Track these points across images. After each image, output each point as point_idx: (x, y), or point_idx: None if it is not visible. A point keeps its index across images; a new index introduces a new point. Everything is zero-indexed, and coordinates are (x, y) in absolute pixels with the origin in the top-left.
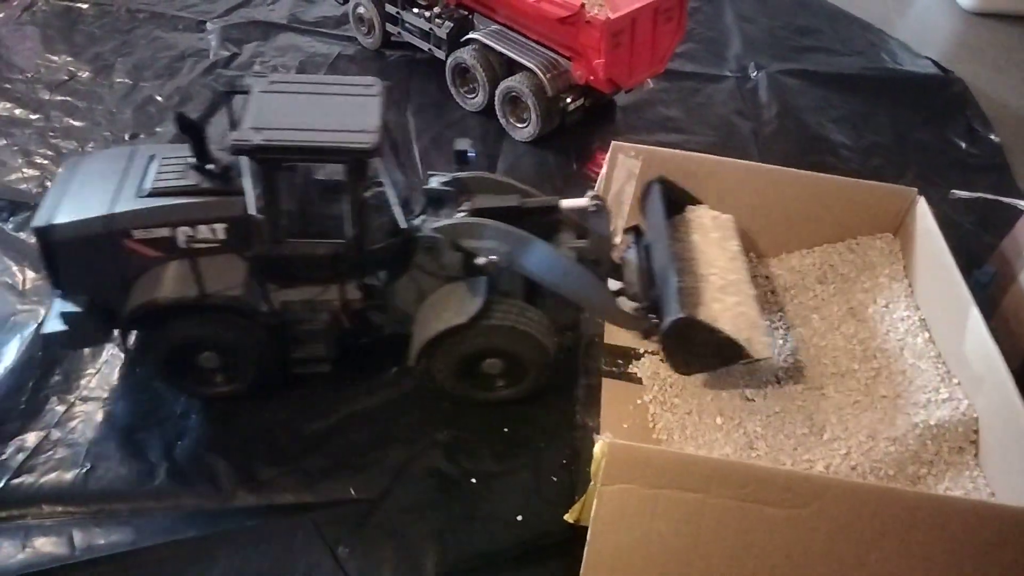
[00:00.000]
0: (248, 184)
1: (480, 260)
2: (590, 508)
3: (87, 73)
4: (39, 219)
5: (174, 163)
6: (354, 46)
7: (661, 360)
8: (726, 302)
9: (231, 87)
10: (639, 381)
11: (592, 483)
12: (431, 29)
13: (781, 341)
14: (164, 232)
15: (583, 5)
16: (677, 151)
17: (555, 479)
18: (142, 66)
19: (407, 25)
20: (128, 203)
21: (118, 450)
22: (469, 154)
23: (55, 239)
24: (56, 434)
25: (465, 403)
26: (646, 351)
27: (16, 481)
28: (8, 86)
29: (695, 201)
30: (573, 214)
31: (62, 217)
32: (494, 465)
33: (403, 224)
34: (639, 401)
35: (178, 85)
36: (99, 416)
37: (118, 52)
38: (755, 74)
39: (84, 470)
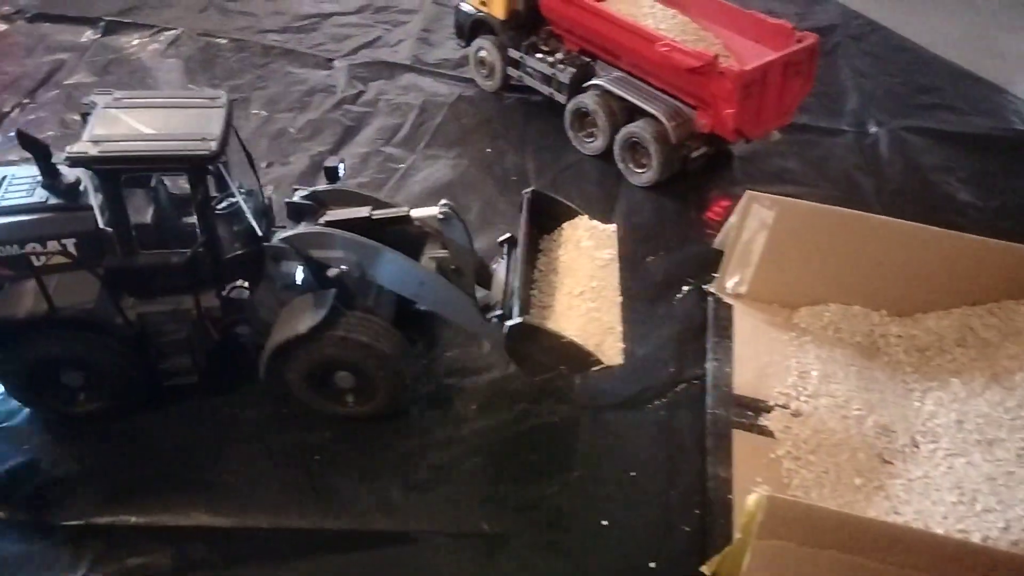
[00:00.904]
0: (96, 198)
1: (330, 271)
2: (735, 562)
3: None
4: None
5: (22, 182)
6: (472, 88)
7: (793, 415)
8: (579, 308)
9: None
10: (770, 434)
11: (738, 536)
12: (553, 74)
13: (917, 403)
14: (12, 250)
15: (716, 56)
16: (814, 204)
17: (687, 528)
18: (276, 99)
19: (528, 69)
20: None
21: (263, 464)
22: (340, 171)
23: None
24: None
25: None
26: (776, 404)
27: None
28: None
29: (575, 213)
30: (431, 224)
31: None
32: (623, 509)
33: (260, 232)
34: (771, 455)
35: (309, 118)
36: (236, 430)
37: (254, 85)
38: (874, 130)
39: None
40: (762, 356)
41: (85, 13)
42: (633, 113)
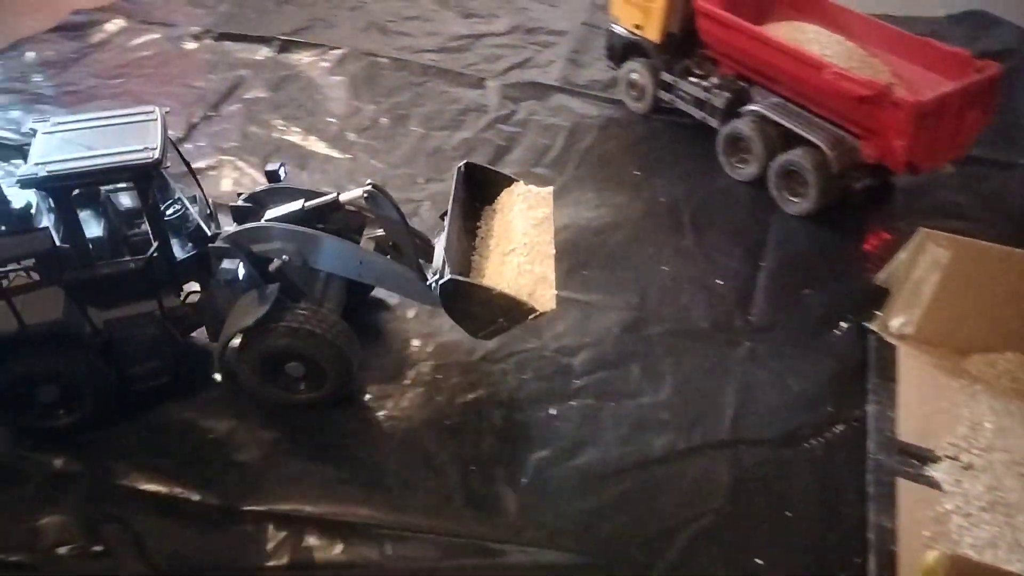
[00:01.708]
0: (50, 218)
1: (272, 266)
2: None
3: (387, 120)
4: None
5: None
6: (621, 109)
7: (963, 468)
8: (511, 263)
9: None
10: (938, 487)
11: None
12: (707, 98)
13: None
14: None
15: (890, 86)
16: (993, 244)
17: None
18: (432, 117)
19: (681, 93)
20: None
21: (422, 471)
22: (281, 174)
23: None
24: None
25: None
26: (944, 455)
27: (343, 487)
28: (323, 128)
29: (511, 181)
30: (359, 204)
31: None
32: (778, 549)
33: (209, 232)
34: (939, 509)
35: (463, 136)
36: (397, 435)
37: (412, 103)
38: None
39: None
40: (929, 402)
41: (262, 33)
42: (790, 140)
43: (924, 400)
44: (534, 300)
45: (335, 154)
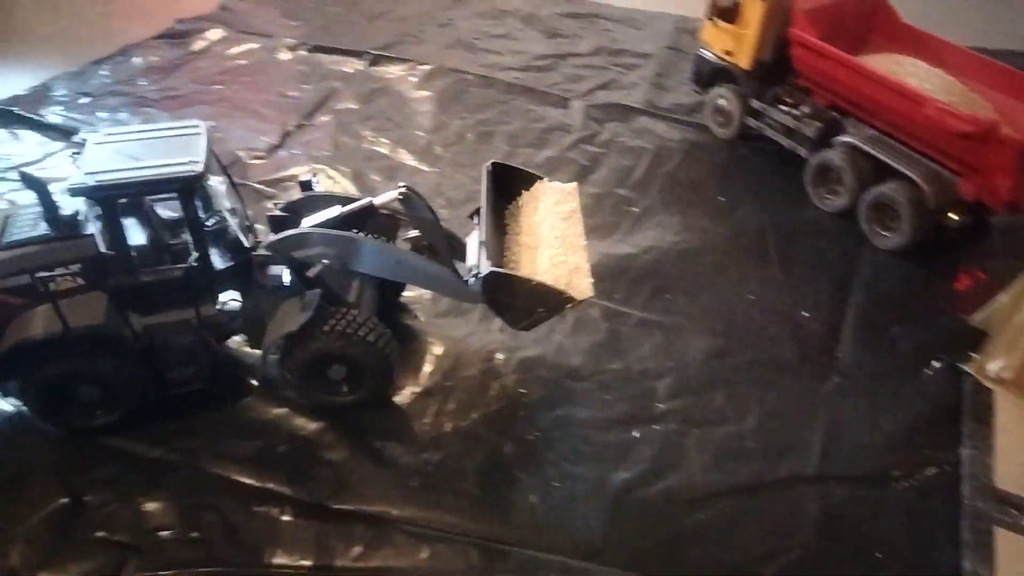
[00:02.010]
0: (96, 225)
1: (312, 271)
2: None
3: (472, 136)
4: None
5: (26, 218)
6: (705, 135)
7: None
8: (545, 255)
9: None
10: None
11: None
12: (798, 127)
13: None
14: (23, 280)
15: (996, 122)
16: None
17: None
18: (517, 135)
19: (770, 120)
20: None
21: (505, 485)
22: (312, 185)
23: None
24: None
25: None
26: None
27: (433, 494)
28: (411, 141)
29: (535, 178)
30: (393, 207)
31: None
32: None
33: (247, 244)
34: None
35: (547, 155)
36: (481, 447)
37: (498, 120)
38: None
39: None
40: None
41: (354, 47)
42: (883, 173)
43: (1023, 447)
44: (571, 289)
45: (423, 167)
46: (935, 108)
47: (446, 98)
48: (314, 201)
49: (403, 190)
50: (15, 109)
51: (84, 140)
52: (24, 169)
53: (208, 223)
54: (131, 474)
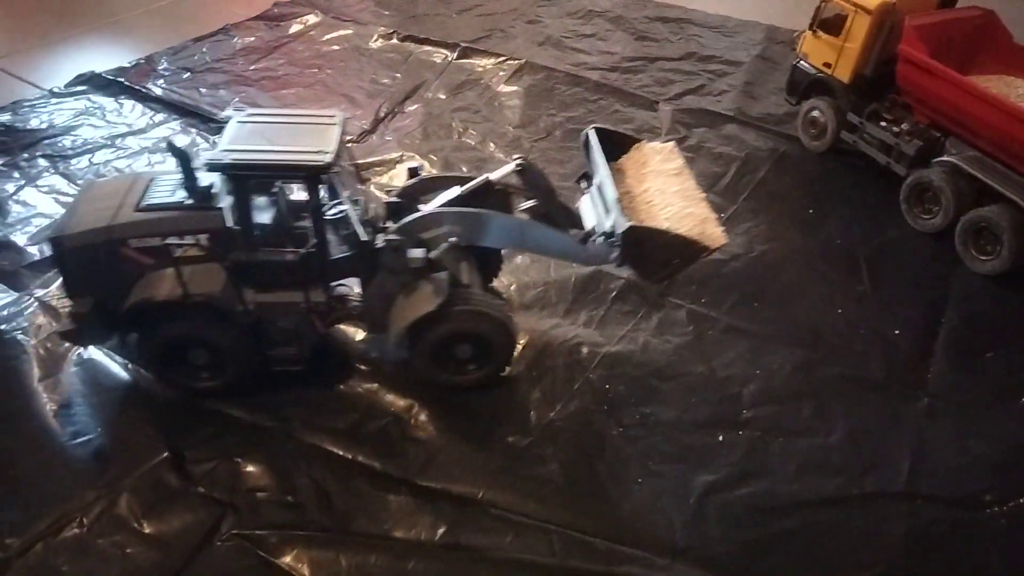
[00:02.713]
0: (226, 200)
1: (434, 253)
2: None
3: (560, 133)
4: (54, 231)
5: (167, 184)
6: (795, 145)
7: None
8: (673, 208)
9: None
10: None
11: None
12: (896, 143)
13: None
14: (155, 241)
15: None
16: None
17: None
18: None
19: (867, 136)
20: (126, 216)
21: (587, 477)
22: (420, 171)
23: (66, 247)
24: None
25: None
26: None
27: (508, 478)
28: (500, 134)
29: (634, 140)
30: (511, 180)
31: (72, 228)
32: None
33: (363, 238)
34: None
35: None
36: (564, 438)
37: (585, 119)
38: None
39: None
40: None
41: (445, 38)
42: (984, 196)
43: None
44: (704, 238)
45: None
46: None
47: (534, 94)
48: (426, 184)
49: (520, 162)
50: (122, 80)
51: (229, 117)
52: (170, 138)
53: (330, 212)
54: (229, 436)
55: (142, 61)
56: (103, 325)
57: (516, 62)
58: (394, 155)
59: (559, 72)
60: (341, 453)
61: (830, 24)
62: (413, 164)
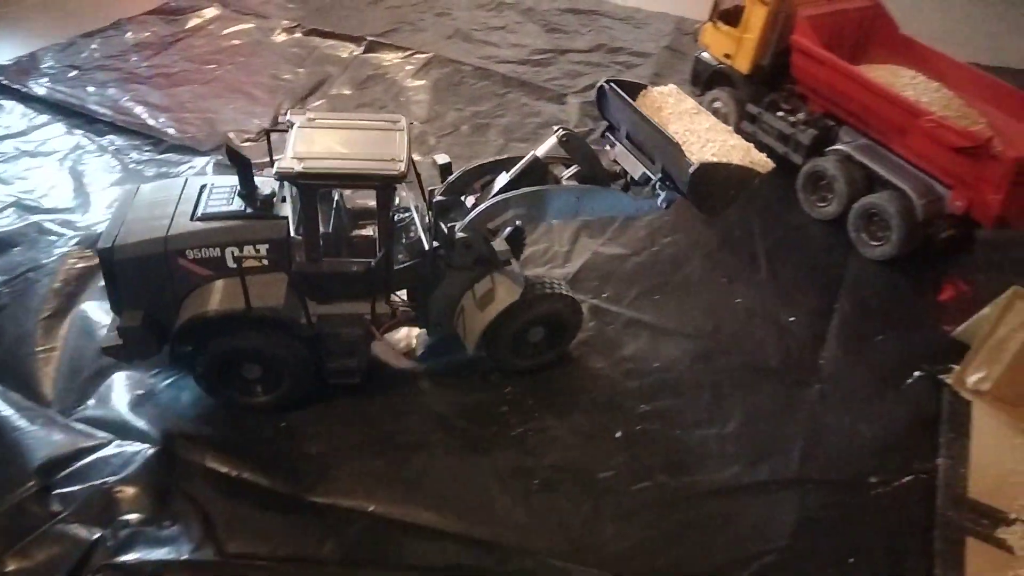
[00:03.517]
0: (289, 208)
1: (497, 240)
2: None
3: (467, 127)
4: (103, 242)
5: (222, 191)
6: None
7: None
8: (715, 144)
9: (272, 125)
10: (1009, 549)
11: None
12: (793, 133)
13: None
14: (214, 252)
15: (991, 138)
16: None
17: None
18: (512, 128)
19: (765, 126)
20: (182, 226)
21: (490, 481)
22: (451, 165)
23: (117, 259)
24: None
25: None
26: (1017, 518)
27: (405, 489)
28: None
29: (641, 86)
30: (556, 152)
31: (123, 239)
32: None
33: (427, 246)
34: (1010, 573)
35: None
36: (459, 443)
37: (493, 113)
38: None
39: None
40: (1004, 462)
41: (352, 32)
42: (875, 183)
43: (998, 459)
44: (757, 165)
45: (416, 156)
46: (930, 121)
47: (442, 88)
48: (467, 176)
49: (562, 133)
50: (1, 78)
51: (291, 122)
52: (231, 144)
53: (395, 220)
54: (102, 460)
55: (24, 58)
56: (152, 340)
57: (424, 56)
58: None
59: (468, 66)
60: (225, 471)
61: (729, 15)
62: (443, 160)
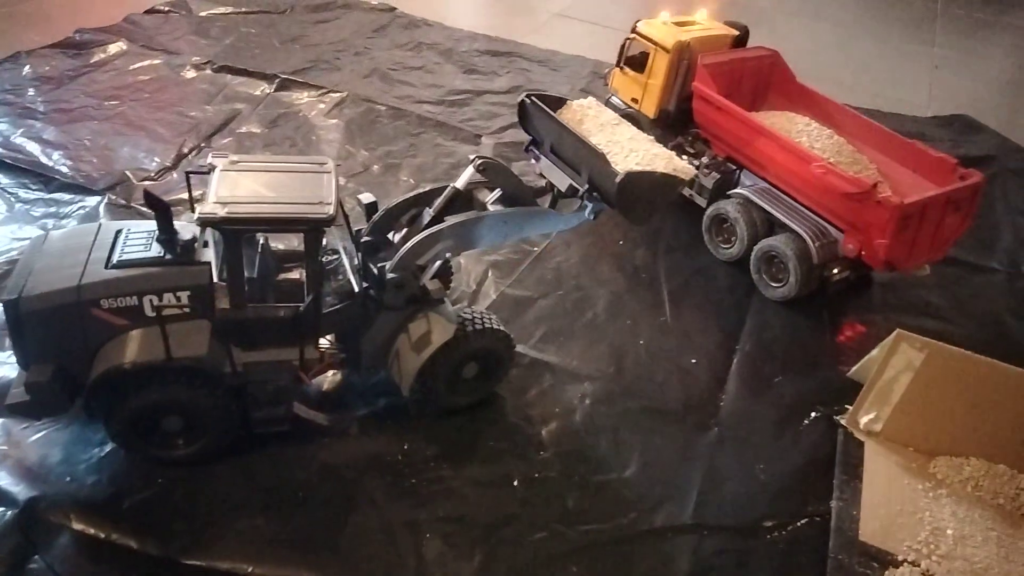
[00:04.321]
0: (211, 253)
1: (428, 283)
2: None
3: (379, 167)
4: (8, 292)
5: (139, 237)
6: None
7: (923, 574)
8: (638, 154)
9: (194, 168)
10: None
11: None
12: (697, 177)
13: None
14: (131, 300)
15: (875, 185)
16: (968, 352)
17: None
18: (424, 168)
19: None
20: (96, 274)
21: (376, 534)
22: (377, 204)
23: (25, 310)
24: None
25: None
26: (905, 560)
27: (289, 550)
28: None
29: (562, 100)
30: (476, 181)
31: (32, 289)
32: None
33: (357, 288)
34: None
35: None
36: (349, 495)
37: (405, 153)
38: None
39: None
40: (893, 503)
41: (263, 69)
42: (774, 226)
43: (888, 501)
44: (680, 172)
45: None
46: (820, 167)
47: (354, 128)
48: (390, 214)
49: (479, 162)
50: None
51: (212, 166)
52: (148, 188)
53: (323, 262)
54: None
55: None
56: (63, 394)
57: (338, 95)
58: (196, 193)
59: (382, 105)
60: (92, 532)
61: (635, 61)
62: (367, 199)
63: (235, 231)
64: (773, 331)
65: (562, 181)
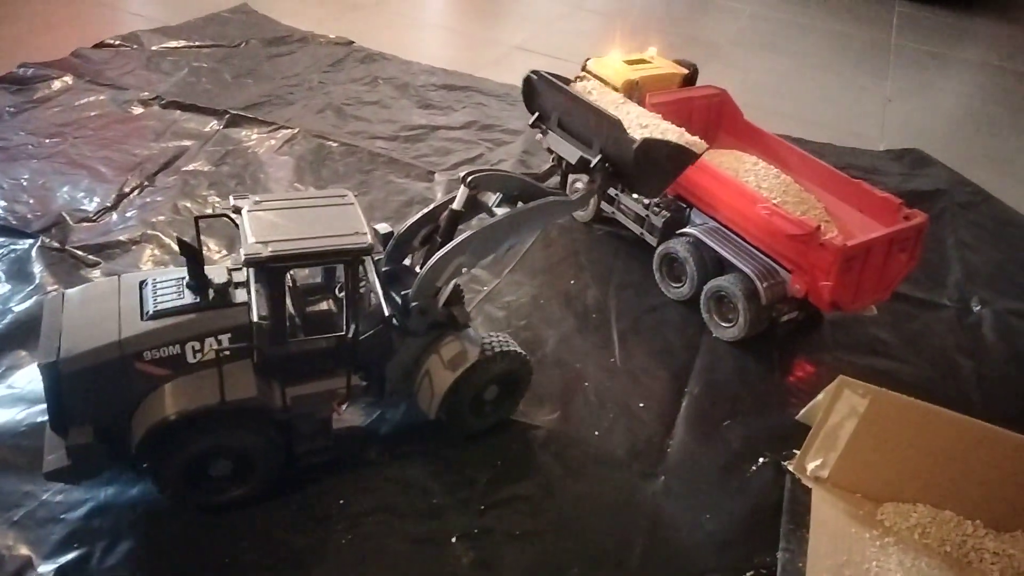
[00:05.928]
0: (250, 293)
1: (455, 310)
2: None
3: None
4: (44, 357)
5: (168, 285)
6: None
7: None
8: (650, 127)
9: (202, 213)
10: None
11: None
12: (647, 215)
13: None
14: (174, 350)
15: (819, 227)
16: (911, 399)
17: None
18: (375, 206)
19: (622, 206)
20: (134, 327)
21: None
22: (392, 234)
23: (66, 372)
24: None
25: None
26: None
27: None
28: None
29: (566, 81)
30: (470, 198)
31: (70, 351)
32: None
33: (387, 312)
34: None
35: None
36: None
37: (356, 190)
38: (978, 308)
39: None
40: (840, 553)
41: (213, 105)
42: (724, 266)
43: (835, 551)
44: (693, 146)
45: None
46: (765, 208)
47: (304, 164)
48: (405, 240)
49: (471, 180)
50: None
51: (236, 207)
52: (180, 237)
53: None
54: None
55: None
56: (104, 455)
57: (289, 131)
58: (136, 235)
59: (334, 141)
60: None
61: None
62: (383, 229)
63: (281, 268)
64: (723, 372)
65: (572, 154)
